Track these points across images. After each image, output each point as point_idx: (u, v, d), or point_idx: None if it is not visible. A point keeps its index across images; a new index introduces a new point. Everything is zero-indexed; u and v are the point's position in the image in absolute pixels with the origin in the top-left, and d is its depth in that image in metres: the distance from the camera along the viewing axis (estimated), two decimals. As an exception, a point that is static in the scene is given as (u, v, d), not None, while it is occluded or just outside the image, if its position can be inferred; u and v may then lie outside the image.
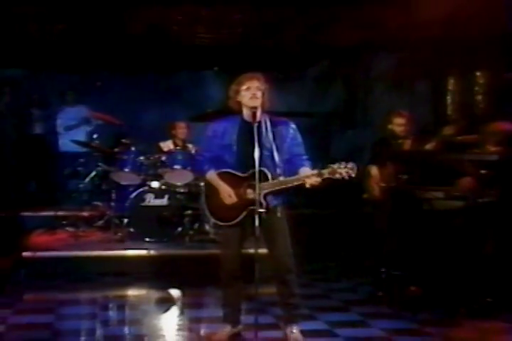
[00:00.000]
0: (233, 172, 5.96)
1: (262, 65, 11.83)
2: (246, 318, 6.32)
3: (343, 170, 5.67)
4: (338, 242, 9.88)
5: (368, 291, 7.84)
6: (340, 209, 10.30)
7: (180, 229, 9.43)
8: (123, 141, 10.23)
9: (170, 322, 7.10)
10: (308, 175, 5.78)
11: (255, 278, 5.82)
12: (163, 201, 9.60)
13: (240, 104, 5.98)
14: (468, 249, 7.14)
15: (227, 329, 6.16)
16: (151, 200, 9.58)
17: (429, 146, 8.17)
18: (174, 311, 7.33)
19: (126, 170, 9.95)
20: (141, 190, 9.65)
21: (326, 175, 5.72)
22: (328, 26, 11.01)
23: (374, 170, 8.37)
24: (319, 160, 12.11)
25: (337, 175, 5.69)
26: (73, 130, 11.65)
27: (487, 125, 8.01)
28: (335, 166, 5.69)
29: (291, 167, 5.99)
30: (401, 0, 9.96)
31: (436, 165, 7.87)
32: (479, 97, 10.72)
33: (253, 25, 11.19)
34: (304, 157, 6.09)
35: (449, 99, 11.35)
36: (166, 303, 7.64)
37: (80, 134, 11.47)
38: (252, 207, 5.74)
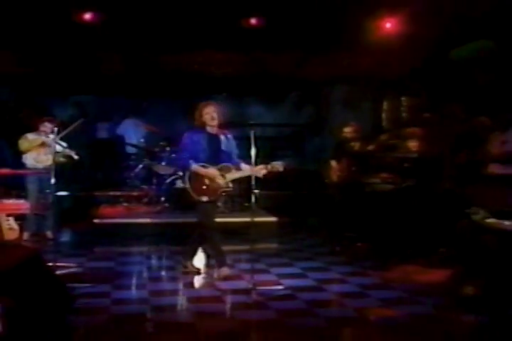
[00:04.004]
0: (207, 165, 6.16)
1: (256, 91, 11.92)
2: (245, 265, 6.41)
3: (278, 165, 6.01)
4: (309, 213, 9.91)
5: (330, 246, 7.82)
6: (310, 190, 10.33)
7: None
8: (161, 143, 10.27)
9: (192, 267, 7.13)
10: (259, 168, 6.06)
11: (251, 238, 5.94)
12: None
13: (204, 122, 6.19)
14: (396, 217, 7.20)
15: (226, 269, 6.19)
16: (180, 184, 9.60)
17: (370, 147, 8.21)
18: (195, 260, 7.36)
19: (163, 163, 10.04)
20: (173, 177, 9.68)
21: (269, 169, 6.01)
22: (301, 66, 11.05)
23: (333, 164, 8.40)
24: (296, 158, 12.24)
25: (274, 169, 6.01)
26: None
27: (405, 130, 8.13)
28: (274, 163, 6.02)
29: (232, 163, 6.26)
30: (351, 49, 10.03)
31: (375, 161, 7.93)
32: (404, 114, 10.81)
33: (250, 64, 11.21)
34: (237, 156, 6.38)
35: (383, 115, 11.41)
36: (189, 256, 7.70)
37: (132, 139, 11.51)
38: (223, 189, 6.12)
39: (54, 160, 6.69)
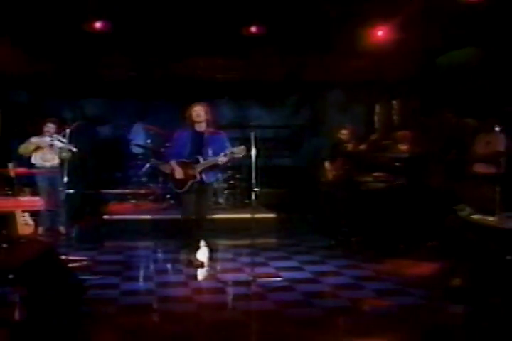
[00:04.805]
0: (184, 160, 6.40)
1: (256, 95, 11.91)
2: (245, 259, 6.42)
3: (238, 150, 6.13)
4: (306, 209, 9.90)
5: (325, 241, 7.81)
6: (307, 188, 10.32)
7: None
8: (167, 144, 10.24)
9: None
10: (219, 158, 6.23)
11: (251, 233, 5.95)
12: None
13: (192, 121, 6.40)
14: (388, 213, 7.22)
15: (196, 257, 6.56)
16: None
17: (362, 147, 8.22)
18: (198, 253, 7.37)
19: (169, 163, 10.03)
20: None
21: (230, 156, 6.17)
22: (300, 71, 11.08)
23: (329, 163, 8.41)
24: (294, 158, 12.19)
25: (235, 155, 6.15)
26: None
27: (396, 133, 8.15)
28: (233, 149, 6.18)
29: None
30: (346, 55, 10.05)
31: (368, 160, 7.94)
32: (395, 117, 10.84)
33: (250, 69, 11.23)
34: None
35: (376, 118, 11.44)
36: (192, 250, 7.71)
37: (140, 140, 11.51)
38: (194, 180, 6.31)
39: (60, 156, 6.70)
